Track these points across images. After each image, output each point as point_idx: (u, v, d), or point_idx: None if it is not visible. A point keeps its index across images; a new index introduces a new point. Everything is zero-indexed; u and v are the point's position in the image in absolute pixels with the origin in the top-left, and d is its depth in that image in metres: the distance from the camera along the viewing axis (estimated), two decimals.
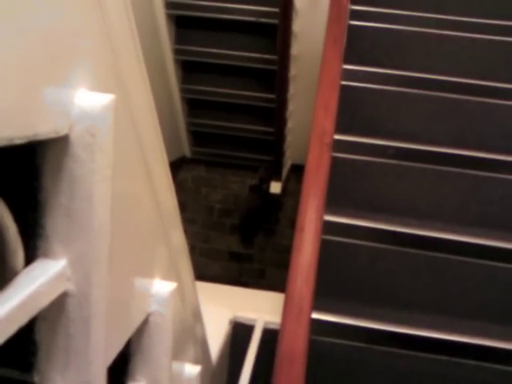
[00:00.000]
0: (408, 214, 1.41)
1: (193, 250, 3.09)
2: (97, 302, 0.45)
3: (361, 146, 1.49)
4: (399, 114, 1.60)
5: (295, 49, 2.52)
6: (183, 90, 2.92)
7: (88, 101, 0.42)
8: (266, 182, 2.93)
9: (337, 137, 1.43)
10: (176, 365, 0.82)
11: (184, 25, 2.75)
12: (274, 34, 2.36)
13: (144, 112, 0.59)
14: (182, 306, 0.84)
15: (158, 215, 0.68)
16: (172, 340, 0.71)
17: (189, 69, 2.90)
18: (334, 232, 1.33)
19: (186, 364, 0.92)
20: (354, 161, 1.47)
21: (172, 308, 0.69)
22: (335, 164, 1.38)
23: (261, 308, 1.79)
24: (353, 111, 1.57)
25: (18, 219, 0.40)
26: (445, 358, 1.22)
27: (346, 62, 1.61)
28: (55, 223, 0.43)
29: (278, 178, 2.86)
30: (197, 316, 0.96)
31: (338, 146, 1.43)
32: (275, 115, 2.63)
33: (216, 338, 1.55)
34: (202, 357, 1.08)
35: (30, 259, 0.42)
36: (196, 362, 1.00)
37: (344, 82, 1.56)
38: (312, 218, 1.21)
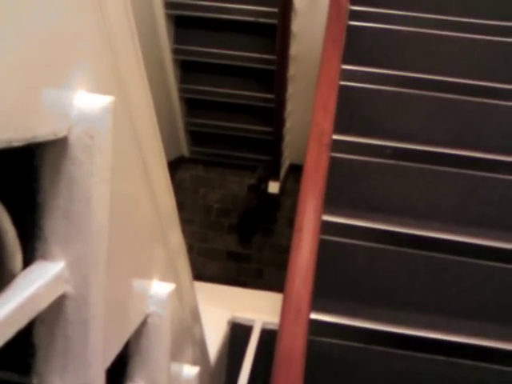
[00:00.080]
0: (406, 214, 1.42)
1: (191, 249, 3.09)
2: (95, 304, 0.45)
3: (359, 146, 1.49)
4: (398, 114, 1.60)
5: (294, 49, 2.52)
6: (182, 90, 2.92)
7: (87, 103, 0.42)
8: (264, 181, 2.93)
9: (335, 137, 1.43)
10: (174, 366, 0.82)
11: (183, 24, 2.75)
12: (273, 34, 2.35)
13: (143, 113, 0.59)
14: (180, 307, 0.84)
15: (156, 216, 0.68)
16: (170, 341, 0.71)
17: (187, 68, 2.89)
18: (332, 232, 1.33)
19: (184, 365, 0.92)
20: (352, 161, 1.47)
21: (170, 309, 0.69)
22: (334, 164, 1.38)
23: (259, 308, 1.79)
24: (351, 111, 1.58)
25: (17, 221, 0.39)
26: (442, 358, 1.23)
27: (345, 62, 1.61)
28: (53, 225, 0.43)
29: (276, 177, 2.86)
30: (195, 316, 0.96)
31: (337, 146, 1.43)
32: (274, 115, 2.62)
33: (214, 339, 1.55)
34: (201, 357, 1.08)
35: (28, 261, 0.42)
36: (194, 362, 1.00)
37: (343, 83, 1.56)
38: (310, 218, 1.21)
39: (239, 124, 2.97)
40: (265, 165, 2.98)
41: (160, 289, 0.68)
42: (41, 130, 0.38)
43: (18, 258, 0.40)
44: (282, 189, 2.94)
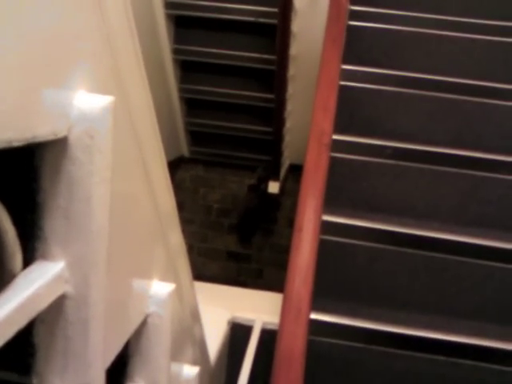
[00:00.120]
0: (406, 214, 1.42)
1: (191, 249, 3.09)
2: (95, 304, 0.45)
3: (359, 146, 1.49)
4: (398, 114, 1.60)
5: (294, 49, 2.52)
6: (182, 90, 2.92)
7: (87, 103, 0.42)
8: (264, 181, 2.93)
9: (335, 137, 1.43)
10: (174, 366, 0.82)
11: (183, 24, 2.75)
12: (273, 34, 2.35)
13: (143, 113, 0.59)
14: (180, 307, 0.84)
15: (156, 216, 0.68)
16: (170, 341, 0.71)
17: (187, 68, 2.89)
18: (332, 232, 1.33)
19: (184, 365, 0.92)
20: (352, 161, 1.47)
21: (170, 309, 0.69)
22: (334, 164, 1.38)
23: (259, 308, 1.79)
24: (351, 111, 1.58)
25: (17, 221, 0.39)
26: (442, 358, 1.23)
27: (345, 62, 1.61)
28: (53, 225, 0.43)
29: (276, 177, 2.86)
30: (195, 316, 0.96)
31: (337, 146, 1.43)
32: (274, 115, 2.62)
33: (214, 339, 1.55)
34: (201, 357, 1.08)
35: (28, 261, 0.42)
36: (194, 362, 1.00)
37: (343, 83, 1.56)
38: (310, 218, 1.21)
39: (239, 124, 2.97)
40: (265, 165, 2.98)
41: (160, 289, 0.68)
42: (41, 130, 0.38)
43: (17, 257, 0.40)
44: (281, 189, 2.94)
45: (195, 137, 3.21)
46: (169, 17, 2.67)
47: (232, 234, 3.26)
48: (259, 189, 3.00)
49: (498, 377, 1.21)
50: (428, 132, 1.56)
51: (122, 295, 0.60)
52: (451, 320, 1.29)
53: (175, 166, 3.20)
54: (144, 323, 0.67)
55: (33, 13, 0.36)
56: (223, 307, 1.76)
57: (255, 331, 1.68)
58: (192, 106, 3.04)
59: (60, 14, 0.40)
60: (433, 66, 1.70)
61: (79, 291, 0.44)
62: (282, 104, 2.56)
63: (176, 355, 0.82)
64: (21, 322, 0.38)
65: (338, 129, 1.45)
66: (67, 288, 0.44)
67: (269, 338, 1.57)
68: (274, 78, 2.49)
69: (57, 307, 0.44)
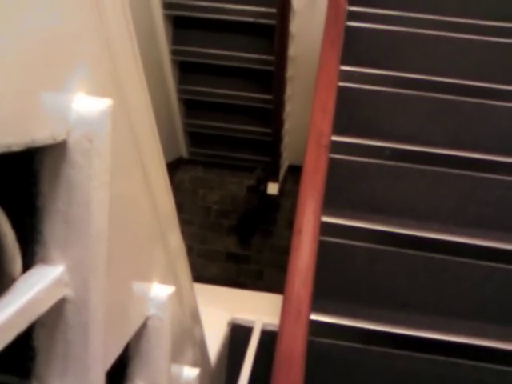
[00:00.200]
0: (405, 215, 1.42)
1: (190, 251, 3.09)
2: (95, 307, 0.45)
3: (358, 147, 1.49)
4: (396, 115, 1.60)
5: (292, 50, 2.52)
6: (180, 91, 2.92)
7: (86, 106, 0.42)
8: (263, 182, 2.93)
9: (334, 138, 1.43)
10: (174, 367, 0.82)
11: (181, 25, 2.75)
12: (272, 34, 2.35)
13: (141, 115, 0.59)
14: (180, 308, 0.84)
15: (155, 218, 0.68)
16: (170, 343, 0.71)
17: (186, 69, 2.89)
18: (332, 233, 1.33)
19: (184, 366, 0.92)
20: (351, 162, 1.47)
21: (170, 312, 0.69)
22: (333, 165, 1.38)
23: (259, 310, 1.79)
24: (350, 112, 1.58)
25: (16, 225, 0.39)
26: (442, 358, 1.23)
27: (344, 63, 1.61)
28: (53, 229, 0.43)
29: (275, 178, 2.86)
30: (195, 318, 0.96)
31: (336, 147, 1.43)
32: (272, 116, 2.62)
33: (214, 340, 1.55)
34: (201, 359, 1.08)
35: (27, 265, 0.42)
36: (194, 364, 1.00)
37: (341, 84, 1.56)
38: (310, 220, 1.21)
39: (238, 125, 2.97)
40: (264, 166, 2.98)
41: (160, 291, 0.68)
42: (40, 134, 0.38)
43: (17, 261, 0.40)
44: (281, 190, 2.94)
45: (194, 138, 3.21)
46: (167, 17, 2.67)
47: (231, 235, 3.26)
48: (258, 190, 3.00)
49: (497, 377, 1.22)
50: (426, 133, 1.57)
51: (122, 298, 0.60)
52: (451, 320, 1.29)
53: (174, 167, 3.20)
54: (144, 326, 0.67)
55: (31, 15, 0.36)
56: (223, 309, 1.75)
57: (255, 332, 1.68)
58: (191, 107, 3.04)
59: (58, 16, 0.40)
60: (430, 67, 1.70)
61: (79, 295, 0.44)
62: (280, 105, 2.56)
63: (176, 357, 0.82)
64: (21, 326, 0.38)
65: (337, 130, 1.45)
66: (67, 292, 0.44)
67: (269, 339, 1.57)
68: (272, 79, 2.50)
69: (57, 311, 0.44)
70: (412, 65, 1.72)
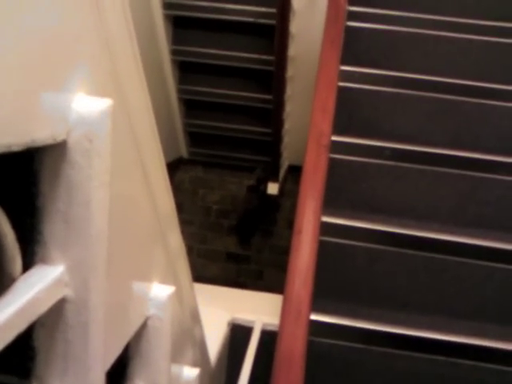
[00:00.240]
0: (405, 215, 1.42)
1: (190, 251, 3.09)
2: (95, 307, 0.45)
3: (358, 147, 1.49)
4: (396, 115, 1.60)
5: (292, 50, 2.53)
6: (180, 91, 2.92)
7: (86, 106, 0.42)
8: (263, 182, 2.93)
9: (334, 138, 1.43)
10: (174, 367, 0.82)
11: (181, 25, 2.75)
12: (272, 34, 2.35)
13: (141, 115, 0.59)
14: (180, 308, 0.84)
15: (155, 218, 0.68)
16: (170, 343, 0.71)
17: (186, 69, 2.90)
18: (332, 233, 1.33)
19: (184, 366, 0.92)
20: (351, 162, 1.47)
21: (170, 312, 0.69)
22: (333, 165, 1.38)
23: (259, 310, 1.79)
24: (350, 112, 1.58)
25: (16, 225, 0.39)
26: (442, 358, 1.23)
27: (344, 63, 1.61)
28: (53, 229, 0.43)
29: (275, 178, 2.86)
30: (195, 318, 0.96)
31: (336, 147, 1.43)
32: (272, 116, 2.63)
33: (214, 340, 1.55)
34: (201, 359, 1.08)
35: (27, 265, 0.42)
36: (194, 364, 1.00)
37: (341, 84, 1.56)
38: (310, 220, 1.21)
39: (238, 125, 2.98)
40: (264, 166, 2.98)
41: (160, 291, 0.68)
42: (40, 134, 0.38)
43: (17, 261, 0.40)
44: (281, 190, 2.94)
45: (194, 138, 3.21)
46: (167, 17, 2.67)
47: (231, 235, 3.26)
48: (258, 190, 3.00)
49: (497, 377, 1.22)
50: (426, 133, 1.57)
51: (122, 298, 0.60)
52: (451, 320, 1.29)
53: (174, 167, 3.20)
54: (144, 326, 0.67)
55: (31, 15, 0.36)
56: (223, 309, 1.75)
57: (255, 332, 1.68)
58: (191, 107, 3.04)
59: (58, 16, 0.40)
60: (430, 67, 1.70)
61: (79, 295, 0.44)
62: (280, 105, 2.56)
63: (176, 357, 0.82)
64: (21, 326, 0.38)
65: (337, 130, 1.45)
66: (67, 292, 0.44)
67: (269, 339, 1.57)
68: (272, 79, 2.50)
69: (57, 311, 0.44)
70: (412, 65, 1.72)
